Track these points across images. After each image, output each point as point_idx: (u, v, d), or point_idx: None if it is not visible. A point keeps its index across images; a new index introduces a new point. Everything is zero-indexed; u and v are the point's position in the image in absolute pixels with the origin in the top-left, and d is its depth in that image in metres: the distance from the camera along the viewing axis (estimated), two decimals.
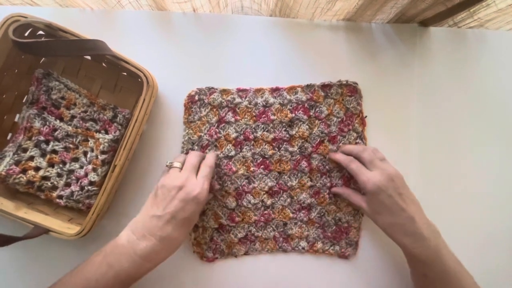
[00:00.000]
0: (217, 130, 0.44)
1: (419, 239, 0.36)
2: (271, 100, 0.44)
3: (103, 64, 0.44)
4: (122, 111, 0.43)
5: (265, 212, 0.44)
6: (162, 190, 0.36)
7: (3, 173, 0.40)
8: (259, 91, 0.45)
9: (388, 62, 0.47)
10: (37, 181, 0.42)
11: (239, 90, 0.45)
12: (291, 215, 0.44)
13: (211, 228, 0.44)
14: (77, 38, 0.37)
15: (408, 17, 0.46)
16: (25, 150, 0.42)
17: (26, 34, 0.39)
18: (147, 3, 0.46)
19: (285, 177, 0.44)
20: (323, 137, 0.44)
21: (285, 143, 0.44)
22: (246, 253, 0.44)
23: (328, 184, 0.44)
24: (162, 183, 0.36)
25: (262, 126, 0.44)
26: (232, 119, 0.44)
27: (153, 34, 0.46)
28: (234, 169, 0.44)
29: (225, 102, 0.44)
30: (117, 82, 0.45)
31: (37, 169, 0.42)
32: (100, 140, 0.42)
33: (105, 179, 0.38)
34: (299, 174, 0.44)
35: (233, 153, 0.44)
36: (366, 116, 0.45)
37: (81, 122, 0.43)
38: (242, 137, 0.44)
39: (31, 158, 0.42)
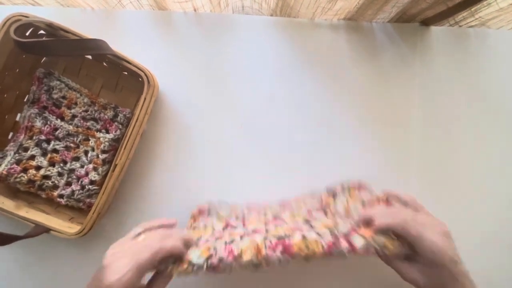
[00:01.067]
0: (221, 231, 0.37)
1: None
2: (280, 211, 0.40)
3: (104, 64, 0.44)
4: (123, 110, 0.43)
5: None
6: None
7: (4, 172, 0.40)
8: (267, 206, 0.41)
9: (389, 61, 0.46)
10: (38, 180, 0.42)
11: (247, 205, 0.41)
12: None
13: None
14: (78, 38, 0.38)
15: (409, 16, 0.46)
16: (26, 149, 0.42)
17: (27, 33, 0.39)
18: (148, 3, 0.46)
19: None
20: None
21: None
22: None
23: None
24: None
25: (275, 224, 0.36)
26: (241, 224, 0.38)
27: (154, 34, 0.46)
28: (235, 253, 0.31)
29: (234, 214, 0.40)
30: (118, 81, 0.45)
31: (38, 168, 0.42)
32: (101, 139, 0.42)
33: (106, 178, 0.38)
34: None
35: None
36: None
37: (82, 121, 0.43)
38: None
39: (32, 157, 0.42)
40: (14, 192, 0.43)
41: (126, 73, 0.44)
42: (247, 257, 0.30)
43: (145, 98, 0.39)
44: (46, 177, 0.42)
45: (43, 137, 0.42)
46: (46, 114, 0.42)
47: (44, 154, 0.42)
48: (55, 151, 0.43)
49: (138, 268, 0.27)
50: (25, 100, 0.44)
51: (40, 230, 0.37)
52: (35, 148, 0.42)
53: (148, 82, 0.39)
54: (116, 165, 0.38)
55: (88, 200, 0.42)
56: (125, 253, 0.28)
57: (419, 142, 0.46)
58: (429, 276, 0.30)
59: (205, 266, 0.30)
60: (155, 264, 0.29)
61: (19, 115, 0.44)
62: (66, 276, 0.43)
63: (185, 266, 0.30)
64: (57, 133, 0.42)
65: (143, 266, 0.27)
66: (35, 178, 0.42)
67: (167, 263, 0.30)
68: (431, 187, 0.45)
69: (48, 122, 0.42)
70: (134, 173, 0.44)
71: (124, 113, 0.43)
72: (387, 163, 0.45)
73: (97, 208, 0.37)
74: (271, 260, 0.30)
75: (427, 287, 0.30)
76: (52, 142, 0.42)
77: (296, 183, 0.44)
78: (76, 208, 0.43)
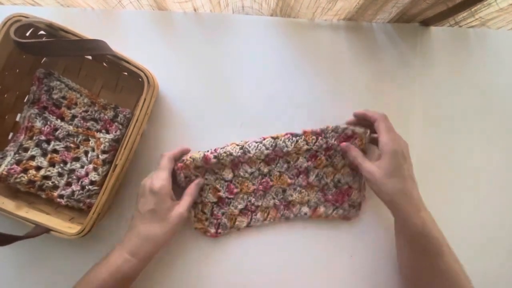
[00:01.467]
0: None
1: (419, 210, 0.37)
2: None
3: (104, 64, 0.44)
4: (123, 110, 0.43)
5: (263, 180, 0.43)
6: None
7: (4, 172, 0.40)
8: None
9: (389, 61, 0.46)
10: (38, 180, 0.42)
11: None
12: (289, 180, 0.43)
13: (211, 203, 0.43)
14: (78, 38, 0.38)
15: (409, 17, 0.46)
16: (26, 150, 0.42)
17: (27, 34, 0.39)
18: (148, 3, 0.46)
19: (280, 142, 0.42)
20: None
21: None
22: (248, 225, 0.44)
23: (324, 146, 0.42)
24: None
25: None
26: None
27: (154, 34, 0.46)
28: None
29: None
30: (118, 81, 0.45)
31: (38, 168, 0.42)
32: (101, 139, 0.42)
33: (106, 179, 0.38)
34: (293, 139, 0.42)
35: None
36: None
37: (82, 121, 0.43)
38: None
39: (32, 157, 0.42)
40: (14, 192, 0.42)
41: (126, 73, 0.44)
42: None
43: (145, 98, 0.39)
44: (46, 177, 0.42)
45: (43, 138, 0.42)
46: (46, 114, 0.42)
47: (44, 154, 0.42)
48: (55, 151, 0.43)
49: (162, 168, 0.39)
50: (25, 100, 0.44)
51: (40, 230, 0.37)
52: (35, 148, 0.42)
53: (148, 82, 0.39)
54: (116, 165, 0.38)
55: (88, 200, 0.42)
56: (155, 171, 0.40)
57: (419, 142, 0.46)
58: (380, 165, 0.38)
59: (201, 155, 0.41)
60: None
61: (19, 115, 0.44)
62: (66, 276, 0.43)
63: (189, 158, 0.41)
64: (57, 133, 0.42)
65: (163, 167, 0.39)
66: (35, 178, 0.42)
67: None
68: (431, 186, 0.45)
69: (48, 123, 0.42)
70: (135, 173, 0.44)
71: (124, 113, 0.43)
72: None
73: (97, 208, 0.37)
74: (250, 143, 0.42)
75: (378, 174, 0.38)
76: (52, 143, 0.42)
77: None
78: (76, 208, 0.43)
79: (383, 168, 0.38)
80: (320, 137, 0.43)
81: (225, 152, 0.41)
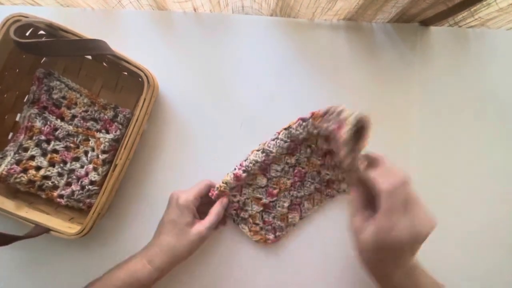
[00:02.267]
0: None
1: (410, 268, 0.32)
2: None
3: (104, 64, 0.44)
4: (123, 110, 0.43)
5: (295, 171, 0.44)
6: None
7: (4, 172, 0.40)
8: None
9: (389, 61, 0.46)
10: (38, 180, 0.42)
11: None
12: (318, 162, 0.44)
13: (258, 213, 0.44)
14: (78, 38, 0.38)
15: (409, 17, 0.46)
16: (26, 150, 0.42)
17: (27, 34, 0.39)
18: (148, 3, 0.46)
19: (293, 131, 0.41)
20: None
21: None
22: (301, 218, 0.44)
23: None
24: None
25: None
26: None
27: (153, 34, 0.46)
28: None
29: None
30: (118, 81, 0.45)
31: (38, 168, 0.42)
32: (101, 139, 0.42)
33: (106, 179, 0.38)
34: (303, 123, 0.41)
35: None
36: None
37: (82, 121, 0.43)
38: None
39: (32, 157, 0.42)
40: (14, 192, 0.43)
41: (126, 73, 0.44)
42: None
43: (145, 98, 0.39)
44: (46, 177, 0.42)
45: (43, 137, 0.42)
46: (46, 114, 0.42)
47: (44, 154, 0.42)
48: (55, 151, 0.43)
49: (193, 189, 0.40)
50: (25, 100, 0.44)
51: (40, 230, 0.37)
52: (35, 148, 0.42)
53: (148, 82, 0.39)
54: (116, 165, 0.38)
55: (88, 200, 0.42)
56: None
57: (419, 142, 0.46)
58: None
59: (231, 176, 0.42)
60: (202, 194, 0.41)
61: (19, 115, 0.44)
62: (66, 276, 0.43)
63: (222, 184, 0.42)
64: (57, 133, 0.42)
65: (194, 189, 0.40)
66: (35, 178, 0.42)
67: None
68: (431, 186, 0.45)
69: (48, 122, 0.42)
70: (134, 173, 0.44)
71: (124, 113, 0.43)
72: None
73: (97, 208, 0.37)
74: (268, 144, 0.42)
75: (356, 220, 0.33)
76: (52, 142, 0.42)
77: None
78: (76, 208, 0.43)
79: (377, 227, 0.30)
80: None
81: (251, 163, 0.42)
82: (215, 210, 0.40)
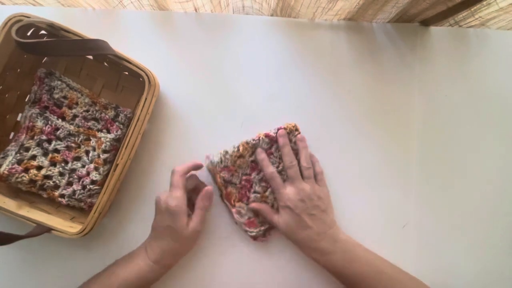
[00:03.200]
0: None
1: (324, 254, 0.39)
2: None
3: (105, 64, 0.44)
4: (124, 110, 0.43)
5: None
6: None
7: (5, 172, 0.40)
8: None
9: (389, 61, 0.47)
10: (39, 180, 0.42)
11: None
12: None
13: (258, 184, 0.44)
14: (79, 38, 0.38)
15: (409, 17, 0.46)
16: (27, 149, 0.42)
17: (29, 34, 0.39)
18: (149, 3, 0.46)
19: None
20: None
21: None
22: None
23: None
24: None
25: None
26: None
27: (154, 34, 0.47)
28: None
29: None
30: (119, 81, 0.45)
31: (39, 168, 0.42)
32: (102, 139, 0.42)
33: (107, 178, 0.38)
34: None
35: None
36: None
37: (83, 121, 0.43)
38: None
39: (33, 157, 0.42)
40: (15, 192, 0.43)
41: (126, 73, 0.44)
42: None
43: (146, 98, 0.39)
44: (47, 177, 0.42)
45: (44, 137, 0.42)
46: (47, 114, 0.42)
47: (45, 154, 0.43)
48: (56, 151, 0.43)
49: (174, 186, 0.39)
50: (26, 100, 0.44)
51: (42, 229, 0.37)
52: (36, 148, 0.42)
53: (149, 82, 0.39)
54: (117, 165, 0.38)
55: (89, 200, 0.42)
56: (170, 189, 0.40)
57: (419, 142, 0.46)
58: (280, 219, 0.41)
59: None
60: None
61: (20, 115, 0.44)
62: (67, 275, 0.43)
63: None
64: (58, 133, 0.42)
65: (175, 184, 0.39)
66: (37, 178, 0.42)
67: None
68: (430, 186, 0.45)
69: (49, 122, 0.42)
70: (136, 172, 0.44)
71: (125, 113, 0.43)
72: (387, 163, 0.45)
73: (98, 208, 0.37)
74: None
75: (281, 227, 0.41)
76: (53, 142, 0.43)
77: None
78: (77, 208, 0.43)
79: (279, 223, 0.41)
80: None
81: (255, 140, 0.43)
82: (201, 204, 0.40)
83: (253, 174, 0.44)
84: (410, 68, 0.47)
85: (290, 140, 0.43)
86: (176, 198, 0.38)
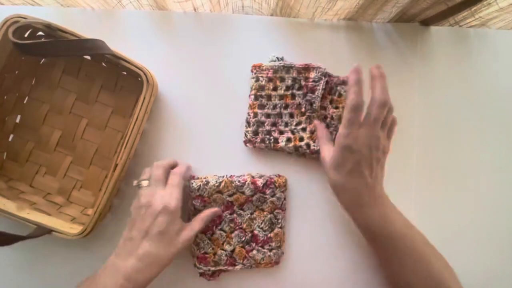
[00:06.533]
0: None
1: (361, 205, 0.37)
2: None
3: (103, 64, 0.44)
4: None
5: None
6: (134, 211, 0.36)
7: None
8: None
9: (389, 61, 0.46)
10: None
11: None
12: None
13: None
14: (76, 38, 0.37)
15: (409, 16, 0.46)
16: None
17: (26, 35, 0.39)
18: (148, 3, 0.46)
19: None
20: None
21: None
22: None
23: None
24: (133, 205, 0.37)
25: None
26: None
27: (154, 34, 0.46)
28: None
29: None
30: (117, 81, 0.45)
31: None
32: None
33: (107, 179, 0.38)
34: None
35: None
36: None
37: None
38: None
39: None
40: (16, 194, 0.43)
41: (125, 73, 0.44)
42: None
43: (144, 98, 0.39)
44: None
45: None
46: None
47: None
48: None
49: (176, 186, 0.37)
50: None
51: (42, 231, 0.37)
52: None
53: (147, 81, 0.39)
54: (116, 164, 0.38)
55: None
56: (158, 186, 0.37)
57: (419, 142, 0.46)
58: (332, 158, 0.38)
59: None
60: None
61: (19, 116, 0.43)
62: (68, 276, 0.44)
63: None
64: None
65: (177, 185, 0.38)
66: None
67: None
68: (430, 186, 0.45)
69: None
70: (135, 173, 0.44)
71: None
72: (386, 163, 0.45)
73: (99, 209, 0.37)
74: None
75: (328, 167, 0.38)
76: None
77: None
78: (77, 209, 0.43)
79: (331, 158, 0.38)
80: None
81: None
82: (205, 217, 0.39)
83: (226, 213, 0.42)
84: (410, 67, 0.47)
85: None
86: (177, 199, 0.36)
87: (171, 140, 0.45)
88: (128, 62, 0.38)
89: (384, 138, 0.38)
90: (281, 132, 0.44)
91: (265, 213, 0.42)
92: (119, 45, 0.39)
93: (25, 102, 0.43)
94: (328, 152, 0.39)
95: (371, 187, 0.37)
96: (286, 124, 0.44)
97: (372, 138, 0.36)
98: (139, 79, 0.39)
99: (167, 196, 0.36)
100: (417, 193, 0.45)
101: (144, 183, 0.38)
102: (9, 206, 0.39)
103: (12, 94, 0.42)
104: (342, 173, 0.37)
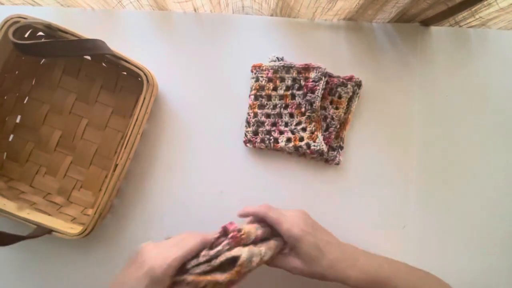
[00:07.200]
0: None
1: (354, 265, 0.34)
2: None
3: (103, 64, 0.44)
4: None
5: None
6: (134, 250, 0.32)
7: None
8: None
9: (389, 61, 0.46)
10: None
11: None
12: None
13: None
14: (76, 38, 0.37)
15: (409, 17, 0.46)
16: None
17: (26, 35, 0.39)
18: (148, 3, 0.46)
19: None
20: None
21: None
22: None
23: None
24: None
25: None
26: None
27: (154, 34, 0.46)
28: None
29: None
30: (117, 81, 0.45)
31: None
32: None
33: (107, 179, 0.38)
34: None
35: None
36: None
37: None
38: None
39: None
40: (16, 194, 0.43)
41: (125, 73, 0.44)
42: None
43: (144, 98, 0.39)
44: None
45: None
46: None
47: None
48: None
49: (178, 255, 0.30)
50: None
51: (42, 231, 0.37)
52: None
53: (148, 81, 0.39)
54: (117, 165, 0.38)
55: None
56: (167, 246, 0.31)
57: (419, 142, 0.46)
58: (302, 259, 0.34)
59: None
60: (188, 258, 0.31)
61: (19, 116, 0.43)
62: (68, 276, 0.44)
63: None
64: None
65: (178, 256, 0.30)
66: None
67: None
68: (430, 187, 0.45)
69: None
70: (135, 172, 0.44)
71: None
72: (386, 163, 0.45)
73: (99, 209, 0.37)
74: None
75: (305, 269, 0.34)
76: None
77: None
78: (77, 209, 0.43)
79: (303, 257, 0.34)
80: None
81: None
82: None
83: None
84: (410, 68, 0.47)
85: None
86: (169, 265, 0.29)
87: (171, 140, 0.45)
88: (128, 62, 0.39)
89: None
90: (281, 132, 0.44)
91: None
92: (119, 45, 0.39)
93: (25, 102, 0.44)
94: (294, 261, 0.34)
95: (338, 246, 0.35)
96: (286, 124, 0.44)
97: (295, 218, 0.35)
98: (139, 79, 0.39)
99: (158, 257, 0.29)
100: (417, 193, 0.45)
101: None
102: (9, 206, 0.39)
103: (12, 94, 0.42)
104: (322, 258, 0.33)
